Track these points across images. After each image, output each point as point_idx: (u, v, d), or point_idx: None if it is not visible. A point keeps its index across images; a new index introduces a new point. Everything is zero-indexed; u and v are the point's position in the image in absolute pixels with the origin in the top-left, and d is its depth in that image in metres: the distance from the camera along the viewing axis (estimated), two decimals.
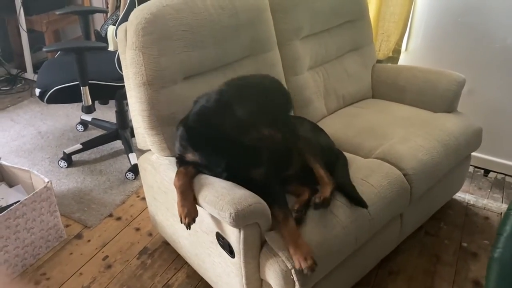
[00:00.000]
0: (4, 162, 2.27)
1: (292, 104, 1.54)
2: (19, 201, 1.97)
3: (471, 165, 2.57)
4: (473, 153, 2.31)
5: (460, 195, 2.50)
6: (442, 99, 2.26)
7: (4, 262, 1.94)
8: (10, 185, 2.28)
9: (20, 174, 2.22)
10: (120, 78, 2.41)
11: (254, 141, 1.50)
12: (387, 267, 2.05)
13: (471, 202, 2.47)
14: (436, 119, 2.18)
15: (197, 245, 1.77)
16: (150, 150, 1.86)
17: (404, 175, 1.84)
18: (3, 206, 2.11)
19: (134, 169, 2.59)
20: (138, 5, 1.91)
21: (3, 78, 3.76)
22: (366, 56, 2.49)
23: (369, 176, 1.76)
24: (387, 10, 2.65)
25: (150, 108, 1.69)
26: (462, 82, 2.24)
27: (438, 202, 2.28)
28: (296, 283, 1.46)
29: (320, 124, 2.04)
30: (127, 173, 2.61)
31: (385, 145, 1.98)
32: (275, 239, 1.50)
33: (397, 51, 2.74)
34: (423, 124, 2.12)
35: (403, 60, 2.77)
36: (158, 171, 1.79)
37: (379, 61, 2.65)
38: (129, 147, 2.73)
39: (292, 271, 1.46)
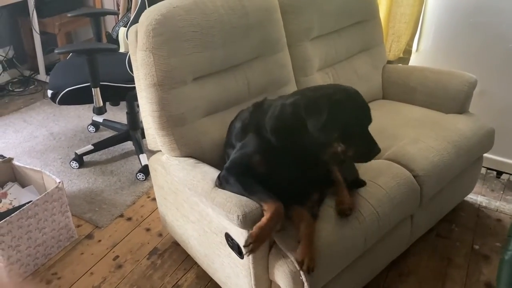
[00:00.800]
0: (16, 163, 2.30)
1: (370, 117, 1.50)
2: (31, 201, 1.99)
3: (483, 167, 2.55)
4: (485, 155, 2.29)
5: (472, 197, 2.48)
6: (453, 100, 2.24)
7: (16, 261, 1.96)
8: (23, 185, 2.31)
9: (32, 174, 2.25)
10: (131, 80, 2.42)
11: (327, 157, 1.49)
12: (397, 269, 2.03)
13: (483, 204, 2.45)
14: (447, 120, 2.16)
15: (207, 245, 1.78)
16: (160, 150, 1.87)
17: (414, 176, 1.83)
18: (15, 206, 2.14)
19: (145, 170, 2.61)
20: (149, 7, 1.92)
21: (16, 79, 3.81)
22: (376, 57, 2.48)
23: (377, 177, 1.75)
24: (397, 11, 2.64)
25: (161, 108, 1.70)
26: (473, 82, 2.22)
27: (449, 204, 2.26)
28: (305, 283, 1.46)
29: None
30: (138, 174, 2.63)
31: (395, 146, 1.97)
32: (284, 240, 1.50)
33: (407, 52, 2.72)
34: (434, 125, 2.10)
35: (413, 61, 2.75)
36: (169, 171, 1.79)
37: (389, 62, 2.63)
38: (140, 148, 2.74)
39: (301, 272, 1.45)
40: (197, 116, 1.78)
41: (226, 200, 1.48)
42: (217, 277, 1.85)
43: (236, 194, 1.50)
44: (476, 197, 2.49)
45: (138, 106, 2.09)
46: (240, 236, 1.52)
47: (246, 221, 1.43)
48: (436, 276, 2.02)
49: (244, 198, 1.48)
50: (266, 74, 1.97)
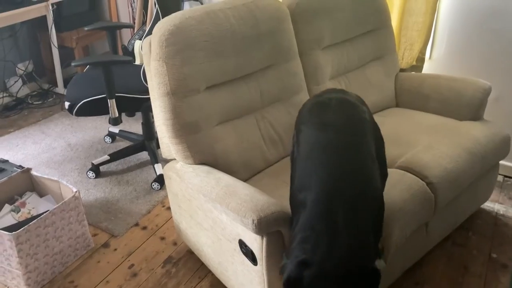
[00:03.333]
0: (35, 173, 2.34)
1: None
2: (48, 210, 2.03)
3: (500, 174, 2.52)
4: (503, 162, 2.27)
5: (489, 205, 2.44)
6: (467, 107, 2.23)
7: (34, 269, 1.99)
8: (41, 195, 2.35)
9: (50, 184, 2.29)
10: (146, 91, 2.47)
11: None
12: (412, 278, 2.01)
13: (501, 212, 2.41)
14: (462, 127, 2.15)
15: (220, 253, 1.79)
16: (174, 159, 1.89)
17: (428, 183, 1.82)
18: (34, 215, 2.18)
19: (160, 179, 2.64)
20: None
21: (35, 93, 3.89)
22: (389, 65, 2.49)
23: (391, 189, 1.73)
24: (409, 19, 2.64)
25: (174, 117, 1.73)
26: (488, 89, 2.20)
27: (465, 211, 2.23)
28: None
29: None
30: (153, 183, 2.66)
31: (409, 153, 1.96)
32: None
33: (420, 60, 2.72)
34: (448, 132, 2.09)
35: (427, 68, 2.74)
36: (183, 179, 1.81)
37: (402, 70, 2.63)
38: (155, 158, 2.77)
39: None
40: (210, 124, 1.80)
41: (240, 205, 1.49)
42: (231, 285, 1.85)
43: (251, 199, 1.51)
44: (493, 205, 2.46)
45: (153, 116, 2.13)
46: (254, 242, 1.53)
47: (261, 226, 1.44)
48: (453, 284, 1.99)
49: (259, 203, 1.49)
50: (278, 83, 1.99)
